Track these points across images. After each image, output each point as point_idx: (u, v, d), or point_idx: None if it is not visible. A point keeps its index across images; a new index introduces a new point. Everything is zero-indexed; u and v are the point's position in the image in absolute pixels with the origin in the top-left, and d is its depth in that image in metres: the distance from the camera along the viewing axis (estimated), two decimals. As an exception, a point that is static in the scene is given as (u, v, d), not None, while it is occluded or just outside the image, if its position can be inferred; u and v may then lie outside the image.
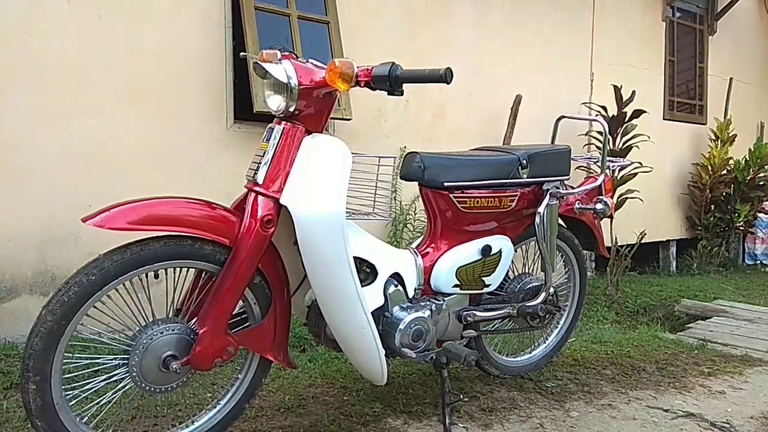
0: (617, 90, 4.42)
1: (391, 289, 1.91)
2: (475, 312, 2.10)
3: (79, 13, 2.66)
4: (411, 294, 1.97)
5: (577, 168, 2.46)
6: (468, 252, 2.05)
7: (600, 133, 4.51)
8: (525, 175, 2.12)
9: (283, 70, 1.63)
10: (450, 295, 2.05)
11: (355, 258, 1.84)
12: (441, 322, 2.03)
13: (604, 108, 4.45)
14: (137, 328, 1.60)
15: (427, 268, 2.02)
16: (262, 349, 1.76)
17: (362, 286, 1.85)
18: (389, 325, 1.90)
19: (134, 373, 1.56)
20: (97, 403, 1.59)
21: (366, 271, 1.90)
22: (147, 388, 1.59)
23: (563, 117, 2.52)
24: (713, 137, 5.48)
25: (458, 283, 2.04)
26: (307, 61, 1.70)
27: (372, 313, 1.86)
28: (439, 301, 2.01)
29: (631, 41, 5.10)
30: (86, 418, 1.57)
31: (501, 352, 2.42)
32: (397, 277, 1.94)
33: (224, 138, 3.09)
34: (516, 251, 2.40)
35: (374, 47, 3.59)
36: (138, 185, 2.71)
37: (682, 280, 5.02)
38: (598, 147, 4.54)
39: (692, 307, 3.91)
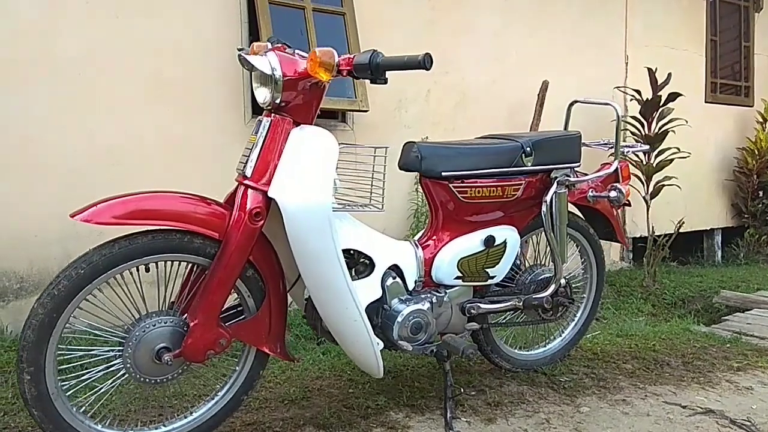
0: (651, 73, 4.24)
1: (389, 281, 1.89)
2: (479, 304, 2.05)
3: (97, 11, 2.72)
4: (411, 286, 1.94)
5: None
6: (470, 243, 2.01)
7: (633, 117, 4.36)
8: (529, 163, 2.05)
9: (267, 62, 1.62)
10: (452, 287, 2.01)
11: (351, 250, 1.84)
12: (443, 315, 2.00)
13: (638, 92, 4.28)
14: (131, 321, 1.63)
15: (427, 260, 1.98)
16: (257, 342, 1.77)
17: (358, 279, 1.85)
18: (388, 318, 1.88)
19: (128, 365, 1.60)
20: (94, 394, 1.62)
21: (364, 263, 1.88)
22: (142, 379, 1.62)
23: (576, 102, 2.44)
24: (760, 120, 5.19)
25: (460, 274, 2.00)
26: (294, 53, 1.69)
27: (371, 305, 1.86)
28: (440, 293, 1.97)
29: (670, 21, 4.89)
30: (84, 408, 1.61)
31: (513, 345, 2.36)
32: (396, 269, 1.92)
33: (243, 132, 3.12)
34: (526, 242, 2.35)
35: (393, 37, 3.54)
36: (158, 179, 2.75)
37: (726, 270, 4.79)
38: (632, 132, 4.38)
39: (732, 299, 3.73)
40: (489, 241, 2.02)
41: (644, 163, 4.26)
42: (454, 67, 3.83)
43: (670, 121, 4.23)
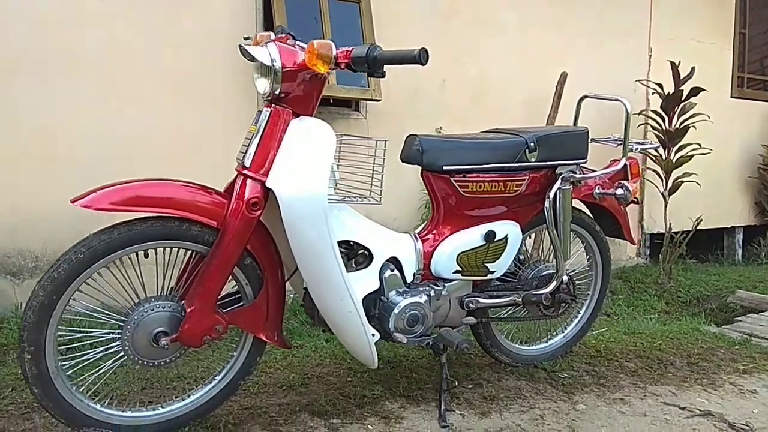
0: (674, 66, 4.15)
1: (387, 273, 1.90)
2: (478, 299, 2.06)
3: (114, 4, 2.75)
4: (410, 279, 1.95)
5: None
6: (470, 237, 2.01)
7: (654, 112, 4.28)
8: (533, 159, 2.04)
9: (267, 52, 1.63)
10: (451, 281, 2.01)
11: (349, 242, 1.86)
12: (441, 308, 2.01)
13: (660, 86, 4.19)
14: (130, 305, 1.67)
15: (427, 253, 1.99)
16: (254, 329, 1.80)
17: (356, 270, 1.86)
18: (385, 309, 1.89)
19: (127, 347, 1.64)
20: (93, 374, 1.67)
21: (364, 254, 1.90)
22: (140, 361, 1.67)
23: (586, 96, 2.41)
24: (789, 116, 5.06)
25: (459, 269, 2.00)
26: (295, 44, 1.69)
27: (369, 296, 1.88)
28: (438, 286, 1.98)
29: (697, 13, 4.77)
30: (83, 388, 1.66)
31: (514, 340, 2.36)
32: (394, 262, 1.93)
33: (256, 121, 3.14)
34: (530, 237, 2.34)
35: (408, 28, 3.53)
36: (174, 170, 2.75)
37: (745, 269, 4.70)
38: (653, 127, 4.30)
39: (746, 299, 3.66)
40: (489, 236, 2.02)
41: (663, 158, 4.18)
42: (471, 58, 3.80)
43: (691, 116, 4.14)
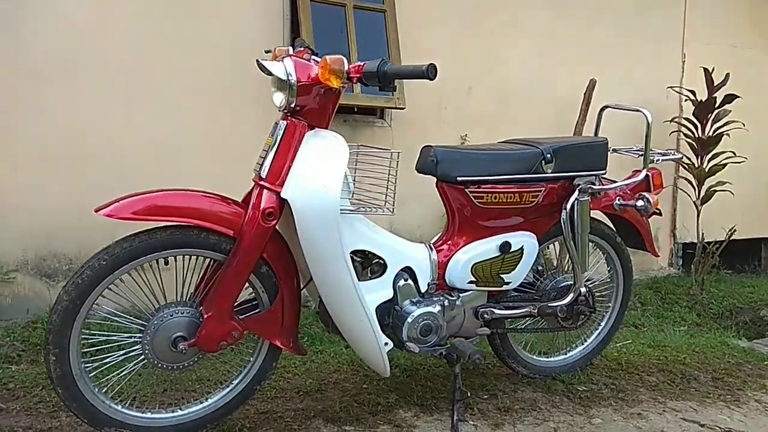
0: (707, 73, 4.06)
1: (401, 282, 1.92)
2: (493, 309, 2.06)
3: (145, 11, 2.85)
4: (424, 288, 1.97)
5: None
6: (485, 248, 2.01)
7: (687, 119, 4.20)
8: (549, 170, 2.04)
9: (283, 67, 1.68)
10: (466, 291, 2.02)
11: (364, 251, 1.88)
12: (456, 319, 2.02)
13: (693, 92, 4.11)
14: (151, 310, 1.74)
15: (442, 263, 2.00)
16: (269, 335, 1.85)
17: (370, 279, 1.89)
18: (398, 319, 1.91)
19: (147, 350, 1.70)
20: (115, 377, 1.73)
21: (379, 263, 1.92)
22: (159, 365, 1.73)
23: (607, 107, 2.38)
24: (832, 123, 4.88)
25: (474, 279, 2.01)
26: (310, 59, 1.73)
27: (383, 305, 1.90)
28: (452, 296, 1.99)
29: (734, 17, 4.65)
30: (105, 389, 1.73)
31: (532, 351, 2.35)
32: (408, 271, 1.95)
33: (282, 128, 3.20)
34: (548, 248, 2.33)
35: (435, 34, 3.55)
36: (198, 172, 2.89)
37: (782, 281, 4.56)
38: (685, 135, 4.21)
39: (781, 313, 3.56)
40: (505, 246, 2.02)
41: (696, 167, 4.10)
42: (497, 65, 3.79)
43: (725, 123, 4.04)
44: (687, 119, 4.18)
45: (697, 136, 4.11)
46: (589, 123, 3.88)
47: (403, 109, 3.33)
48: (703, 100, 4.05)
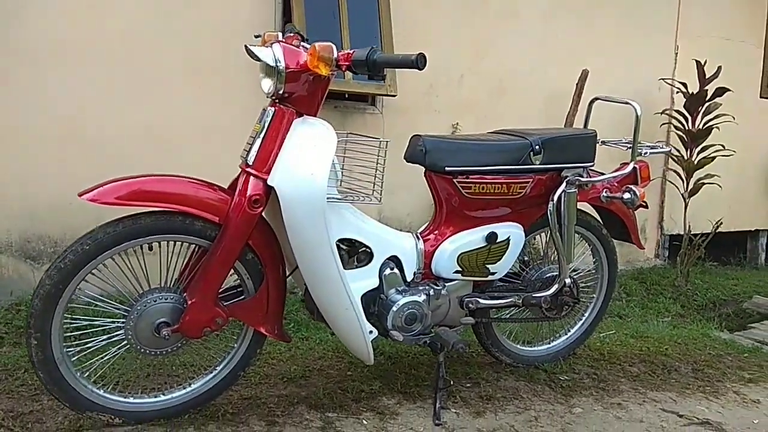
0: (699, 65, 4.06)
1: (387, 271, 1.93)
2: (478, 299, 2.07)
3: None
4: (410, 277, 1.97)
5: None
6: (471, 238, 2.02)
7: (678, 111, 4.21)
8: (538, 162, 2.04)
9: (272, 53, 1.66)
10: (452, 280, 2.03)
11: (350, 240, 1.88)
12: (441, 308, 2.03)
13: (684, 85, 4.11)
14: (135, 295, 1.73)
15: (428, 253, 2.01)
16: (254, 322, 1.85)
17: (356, 268, 1.89)
18: (384, 307, 1.92)
19: (130, 336, 1.70)
20: (98, 361, 1.73)
21: (366, 251, 1.92)
22: (142, 350, 1.73)
23: (597, 98, 2.38)
24: (821, 118, 4.91)
25: (460, 269, 2.01)
26: (299, 45, 1.72)
27: (369, 293, 1.91)
28: (438, 286, 2.00)
29: (727, 10, 4.65)
30: (87, 373, 1.73)
31: (516, 340, 2.37)
32: (395, 260, 1.95)
33: (272, 112, 3.18)
34: (534, 239, 2.34)
35: (428, 21, 3.52)
36: (191, 157, 2.85)
37: (766, 274, 4.61)
38: (676, 127, 4.22)
39: (763, 305, 3.60)
40: (491, 237, 2.03)
41: (685, 159, 4.11)
42: (491, 53, 3.78)
43: (716, 116, 4.06)
44: (678, 111, 4.19)
45: (687, 128, 4.13)
46: (581, 114, 3.89)
47: (394, 96, 3.32)
48: (695, 92, 4.06)
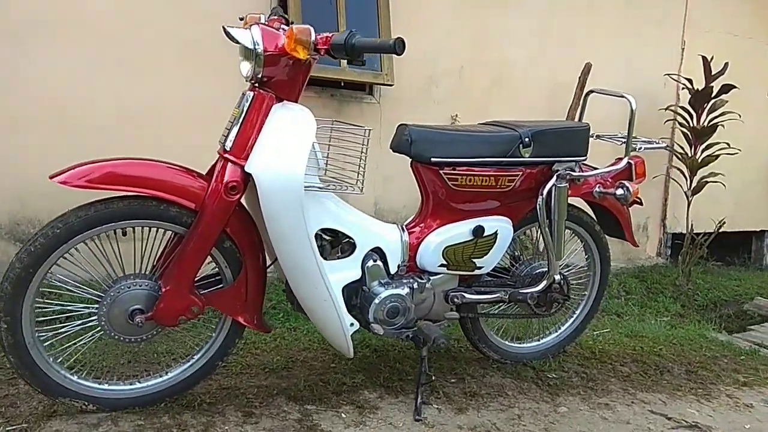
0: (706, 61, 3.97)
1: (370, 263, 1.88)
2: (464, 293, 2.03)
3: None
4: (393, 270, 1.93)
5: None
6: (457, 232, 1.97)
7: (683, 108, 4.12)
8: (527, 154, 1.98)
9: (250, 35, 1.61)
10: (436, 274, 1.99)
11: (331, 230, 1.84)
12: (425, 302, 1.99)
13: (690, 81, 4.03)
14: (109, 281, 1.70)
15: (413, 245, 1.96)
16: (232, 311, 1.81)
17: (338, 259, 1.85)
18: (365, 300, 1.88)
19: (103, 322, 1.67)
20: (71, 346, 1.70)
21: (349, 242, 1.88)
22: (116, 337, 1.70)
23: (592, 92, 2.32)
24: (831, 118, 4.81)
25: (445, 263, 1.97)
26: (280, 28, 1.67)
27: (351, 285, 1.87)
28: (422, 279, 1.96)
29: (736, 5, 4.55)
30: (60, 359, 1.70)
31: (504, 336, 2.33)
32: (378, 252, 1.91)
33: (266, 100, 3.13)
34: (524, 234, 2.29)
35: (430, 10, 3.46)
36: (181, 140, 2.82)
37: (770, 275, 4.54)
38: (680, 124, 4.14)
39: (764, 307, 3.54)
40: (478, 231, 1.98)
41: (689, 156, 4.04)
42: (492, 43, 3.71)
43: (722, 114, 3.97)
44: (683, 108, 4.10)
45: (691, 125, 4.04)
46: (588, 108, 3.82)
47: (391, 85, 3.26)
48: (700, 89, 3.97)
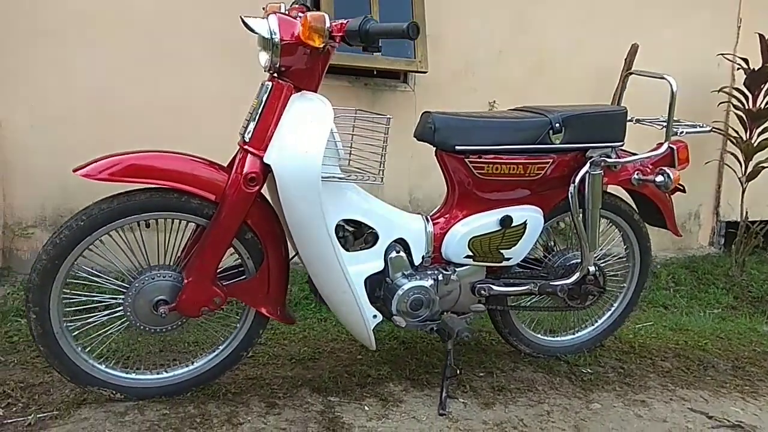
0: (763, 40, 3.73)
1: (393, 254, 1.85)
2: (492, 285, 1.97)
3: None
4: (418, 261, 1.89)
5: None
6: (484, 222, 1.92)
7: (737, 89, 3.89)
8: (557, 141, 1.90)
9: (267, 25, 1.60)
10: (462, 265, 1.94)
11: (354, 221, 1.81)
12: (451, 294, 1.94)
13: (746, 60, 3.80)
14: (134, 272, 1.73)
15: (438, 236, 1.92)
16: (254, 303, 1.82)
17: (361, 250, 1.82)
18: (389, 291, 1.85)
19: (129, 312, 1.70)
20: (99, 336, 1.74)
21: (373, 233, 1.85)
22: (141, 327, 1.73)
23: (631, 73, 2.22)
24: None
25: (471, 253, 1.92)
26: (297, 17, 1.64)
27: (372, 277, 1.84)
28: (447, 271, 1.91)
29: (799, -21, 4.26)
30: (89, 348, 1.74)
31: (536, 329, 2.26)
32: (402, 243, 1.87)
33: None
34: (558, 224, 2.21)
35: (464, -4, 3.37)
36: (215, 134, 2.83)
37: (833, 266, 4.25)
38: (735, 106, 3.92)
39: (825, 300, 3.32)
40: (506, 221, 1.92)
41: (744, 141, 3.82)
42: (532, 27, 3.59)
43: (780, 95, 3.74)
44: (737, 89, 3.88)
45: (747, 107, 3.82)
46: (633, 91, 3.65)
47: (425, 72, 3.20)
48: (756, 69, 3.74)
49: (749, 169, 3.87)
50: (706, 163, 3.95)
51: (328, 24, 1.53)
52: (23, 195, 2.78)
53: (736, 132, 3.87)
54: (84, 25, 2.70)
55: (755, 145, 3.79)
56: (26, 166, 2.75)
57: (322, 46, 1.55)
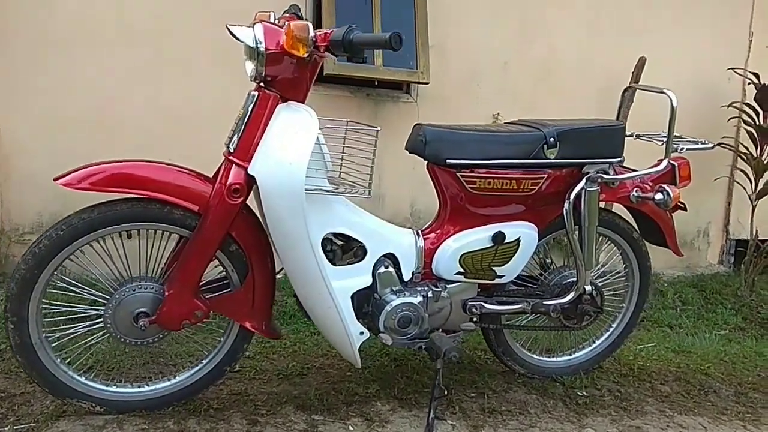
0: (775, 54, 3.67)
1: (382, 269, 1.81)
2: (483, 303, 1.92)
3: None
4: (407, 277, 1.84)
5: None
6: (475, 238, 1.86)
7: (748, 104, 3.81)
8: (552, 156, 1.85)
9: (252, 34, 1.57)
10: (453, 282, 1.89)
11: (341, 235, 1.77)
12: (442, 311, 1.89)
13: (757, 75, 3.72)
14: (116, 283, 1.70)
15: (428, 251, 1.87)
16: (238, 317, 1.78)
17: (348, 264, 1.78)
18: (376, 308, 1.81)
19: (109, 324, 1.67)
20: (80, 348, 1.71)
21: (362, 248, 1.81)
22: (122, 339, 1.69)
23: (629, 88, 2.16)
24: None
25: (462, 270, 1.86)
26: (283, 25, 1.61)
27: (360, 292, 1.79)
28: (437, 287, 1.86)
29: (813, -7, 4.18)
30: (69, 359, 1.71)
31: (531, 349, 2.19)
32: (391, 258, 1.83)
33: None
34: (552, 241, 2.15)
35: (471, 3, 3.33)
36: (215, 142, 2.81)
37: None
38: (745, 121, 3.84)
39: (836, 323, 3.21)
40: (498, 237, 1.87)
41: (754, 157, 3.73)
42: (539, 37, 3.54)
43: (791, 111, 3.65)
44: (748, 104, 3.80)
45: (757, 123, 3.74)
46: (639, 106, 3.59)
47: (427, 83, 3.16)
48: (765, 84, 3.66)
49: (759, 186, 3.78)
50: (716, 179, 3.86)
51: (311, 33, 1.49)
52: (21, 201, 2.77)
53: (746, 148, 3.79)
54: (85, 32, 2.70)
55: (766, 162, 3.71)
56: (24, 173, 2.74)
57: (306, 55, 1.52)
